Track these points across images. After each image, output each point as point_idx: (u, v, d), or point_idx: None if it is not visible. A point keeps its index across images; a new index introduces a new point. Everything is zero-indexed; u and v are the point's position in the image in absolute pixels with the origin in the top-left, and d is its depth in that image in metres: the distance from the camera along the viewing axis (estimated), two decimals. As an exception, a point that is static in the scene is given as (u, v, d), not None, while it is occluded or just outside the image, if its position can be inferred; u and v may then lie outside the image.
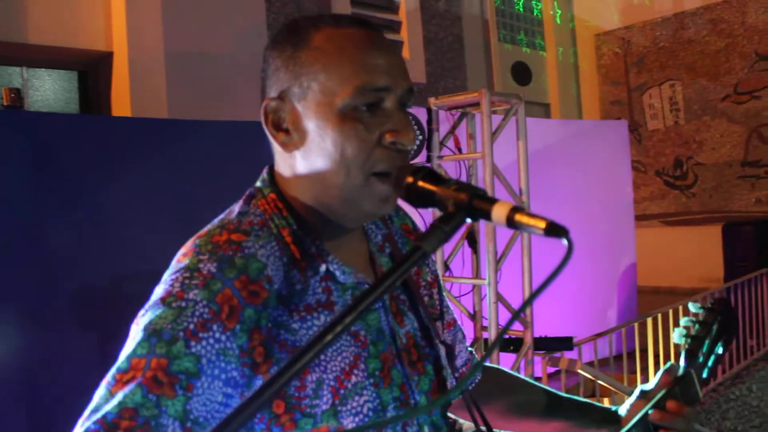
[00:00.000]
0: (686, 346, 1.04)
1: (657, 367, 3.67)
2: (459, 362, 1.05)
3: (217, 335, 0.71)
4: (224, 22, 5.35)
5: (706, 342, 1.04)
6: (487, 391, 1.05)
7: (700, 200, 8.50)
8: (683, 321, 1.06)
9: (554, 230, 0.61)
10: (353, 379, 0.78)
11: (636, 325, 3.84)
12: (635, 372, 3.75)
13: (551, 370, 3.25)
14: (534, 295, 0.61)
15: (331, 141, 0.77)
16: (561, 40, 9.40)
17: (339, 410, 0.76)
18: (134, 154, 3.49)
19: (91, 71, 5.14)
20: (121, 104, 4.90)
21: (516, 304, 3.03)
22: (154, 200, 3.53)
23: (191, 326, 0.70)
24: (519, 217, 0.62)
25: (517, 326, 3.11)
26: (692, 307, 1.07)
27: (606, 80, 9.40)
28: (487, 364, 1.10)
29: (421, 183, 0.71)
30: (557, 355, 3.13)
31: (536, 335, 3.14)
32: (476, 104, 2.94)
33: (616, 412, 1.03)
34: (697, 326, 1.06)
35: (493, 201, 0.64)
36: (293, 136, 0.81)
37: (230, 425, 0.50)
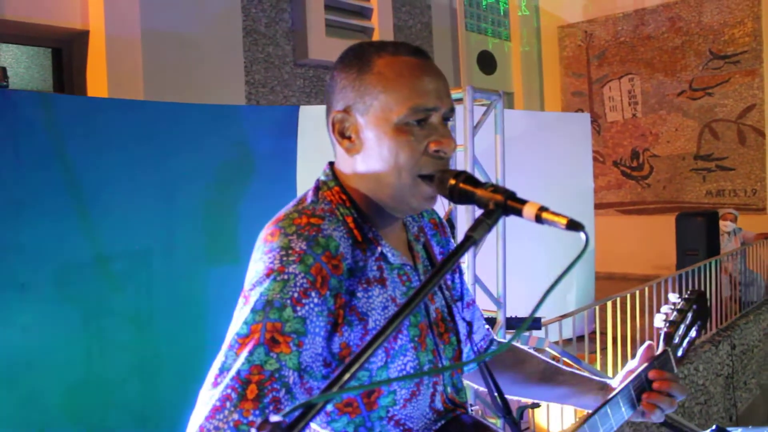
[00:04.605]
0: (665, 329, 1.23)
1: (615, 348, 3.94)
2: (477, 337, 1.25)
3: (316, 300, 0.87)
4: (199, 3, 5.38)
5: (682, 326, 1.24)
6: (502, 362, 1.24)
7: (655, 191, 8.87)
8: (664, 308, 1.26)
9: (573, 225, 0.79)
10: (399, 342, 0.96)
11: (596, 308, 4.10)
12: (595, 352, 4.01)
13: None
14: (554, 285, 0.77)
15: (388, 149, 0.94)
16: (525, 31, 9.63)
17: (389, 367, 0.94)
18: (114, 135, 3.53)
19: (66, 49, 5.12)
20: (98, 84, 4.91)
21: (491, 285, 3.23)
22: (135, 180, 3.58)
23: (295, 294, 0.86)
24: (545, 215, 0.80)
25: (491, 306, 3.31)
26: (672, 296, 1.27)
27: (568, 72, 9.67)
28: (501, 339, 1.29)
29: (462, 185, 0.88)
30: (526, 334, 3.35)
31: (508, 315, 3.35)
32: (458, 99, 3.13)
33: (608, 383, 1.21)
34: (675, 313, 1.25)
35: (524, 201, 0.81)
36: (355, 143, 0.97)
37: (351, 369, 0.66)
